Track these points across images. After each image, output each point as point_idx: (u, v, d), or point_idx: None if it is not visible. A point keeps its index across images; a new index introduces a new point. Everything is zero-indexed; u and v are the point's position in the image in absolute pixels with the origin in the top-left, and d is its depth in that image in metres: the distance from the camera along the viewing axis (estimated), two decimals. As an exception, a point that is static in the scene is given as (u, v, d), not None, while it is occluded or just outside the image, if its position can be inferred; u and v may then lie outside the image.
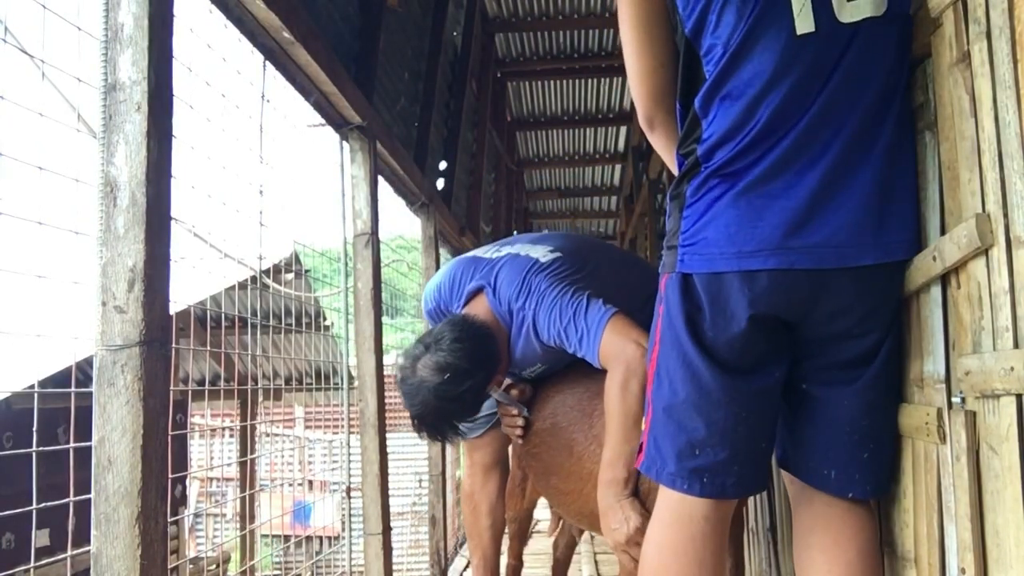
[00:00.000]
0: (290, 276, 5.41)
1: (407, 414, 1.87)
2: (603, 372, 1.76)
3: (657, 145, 1.48)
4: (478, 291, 1.96)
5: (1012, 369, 0.96)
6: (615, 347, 1.71)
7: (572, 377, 1.98)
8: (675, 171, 1.40)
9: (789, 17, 1.17)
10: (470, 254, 2.14)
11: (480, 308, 1.93)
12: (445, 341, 1.78)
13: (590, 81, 7.67)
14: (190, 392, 5.09)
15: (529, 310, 1.84)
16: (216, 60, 2.06)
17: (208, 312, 5.62)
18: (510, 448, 2.35)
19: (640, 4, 1.33)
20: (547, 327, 1.81)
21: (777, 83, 1.18)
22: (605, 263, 2.00)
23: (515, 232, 9.01)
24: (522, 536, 2.48)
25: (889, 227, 1.22)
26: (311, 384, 6.96)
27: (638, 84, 1.40)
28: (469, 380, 1.77)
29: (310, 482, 9.84)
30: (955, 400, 1.13)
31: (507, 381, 2.11)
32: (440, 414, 1.81)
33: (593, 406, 1.87)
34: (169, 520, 1.45)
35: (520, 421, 2.03)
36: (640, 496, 1.64)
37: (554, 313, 1.79)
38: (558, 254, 1.92)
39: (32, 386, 3.08)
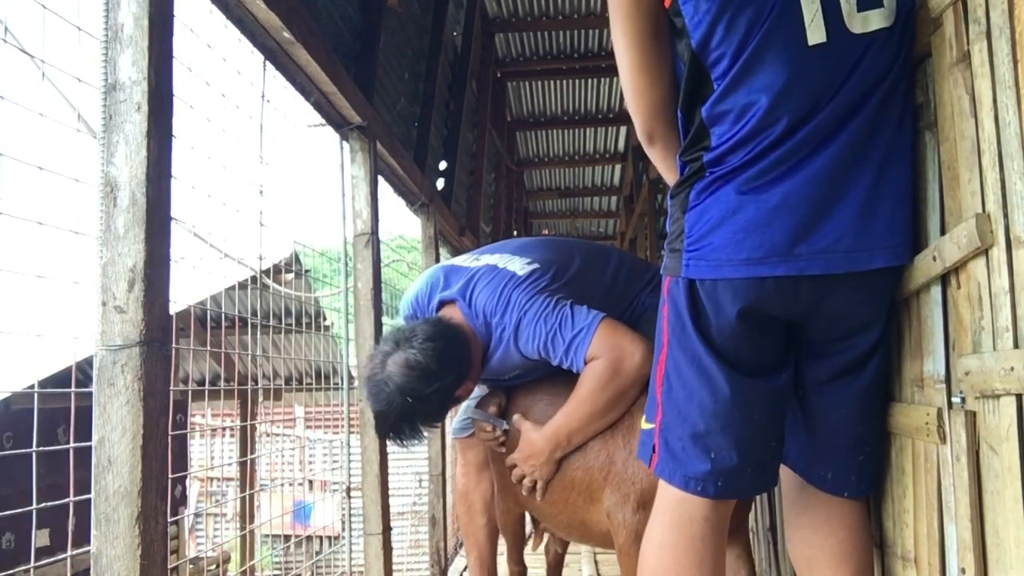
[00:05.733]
0: (290, 276, 5.42)
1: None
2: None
3: (656, 158, 1.46)
4: (450, 302, 1.92)
5: (1012, 369, 0.96)
6: (602, 350, 1.68)
7: (546, 388, 1.94)
8: (671, 183, 1.40)
9: (800, 28, 1.17)
10: (449, 262, 2.09)
11: (453, 317, 1.88)
12: (417, 339, 1.73)
13: (590, 81, 7.67)
14: (190, 392, 5.09)
15: (509, 323, 1.79)
16: (216, 60, 2.06)
17: (208, 312, 5.62)
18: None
19: (638, 19, 1.30)
20: (530, 340, 1.77)
21: (788, 93, 1.17)
22: (590, 267, 1.95)
23: (515, 232, 9.01)
24: (520, 540, 2.46)
25: (895, 230, 1.22)
26: (311, 384, 6.97)
27: (637, 100, 1.37)
28: (437, 381, 1.72)
29: (310, 482, 9.84)
30: (955, 400, 1.13)
31: (481, 390, 2.07)
32: (403, 413, 1.75)
33: None
34: (169, 520, 1.45)
35: (498, 434, 1.98)
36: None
37: (538, 326, 1.75)
38: (536, 265, 1.87)
39: (32, 386, 3.09)
